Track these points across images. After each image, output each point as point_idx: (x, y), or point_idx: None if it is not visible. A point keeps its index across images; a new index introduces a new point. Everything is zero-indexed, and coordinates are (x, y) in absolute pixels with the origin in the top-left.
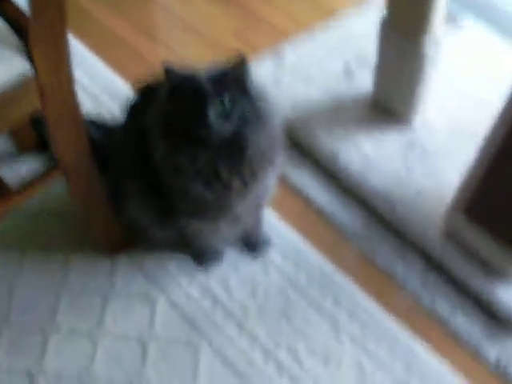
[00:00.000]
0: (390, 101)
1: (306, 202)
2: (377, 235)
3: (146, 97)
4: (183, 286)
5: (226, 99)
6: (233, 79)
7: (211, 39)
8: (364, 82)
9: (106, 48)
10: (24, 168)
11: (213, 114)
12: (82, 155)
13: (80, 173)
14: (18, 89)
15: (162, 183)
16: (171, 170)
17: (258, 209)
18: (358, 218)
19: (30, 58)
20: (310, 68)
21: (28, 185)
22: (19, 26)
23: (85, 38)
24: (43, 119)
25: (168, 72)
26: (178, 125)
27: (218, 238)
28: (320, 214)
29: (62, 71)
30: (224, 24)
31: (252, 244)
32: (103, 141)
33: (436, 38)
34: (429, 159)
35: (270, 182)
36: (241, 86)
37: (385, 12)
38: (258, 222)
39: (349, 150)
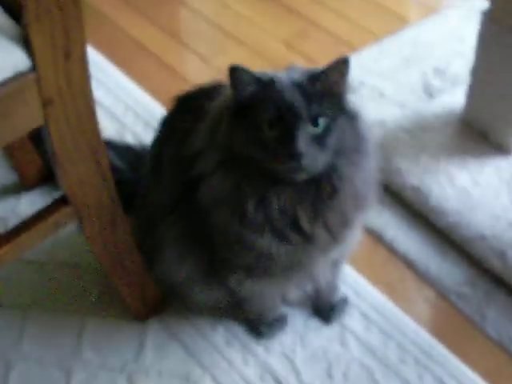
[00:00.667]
0: (488, 121)
1: (390, 250)
2: (484, 294)
3: (188, 109)
4: (235, 365)
5: (322, 117)
6: (328, 88)
7: (255, 48)
8: (448, 98)
9: (130, 59)
10: (24, 205)
11: (303, 138)
12: (101, 189)
13: (99, 212)
14: (14, 94)
15: (210, 229)
16: (229, 214)
17: (337, 264)
18: (458, 271)
19: (29, 48)
20: (379, 82)
21: (27, 227)
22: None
23: (105, 47)
24: (45, 136)
25: (235, 72)
26: (245, 151)
27: (282, 300)
28: (409, 265)
29: (74, 69)
30: (271, 31)
31: (325, 307)
32: (128, 171)
33: None
34: None
35: (358, 231)
36: (338, 99)
37: (488, 2)
38: (334, 279)
39: (440, 184)
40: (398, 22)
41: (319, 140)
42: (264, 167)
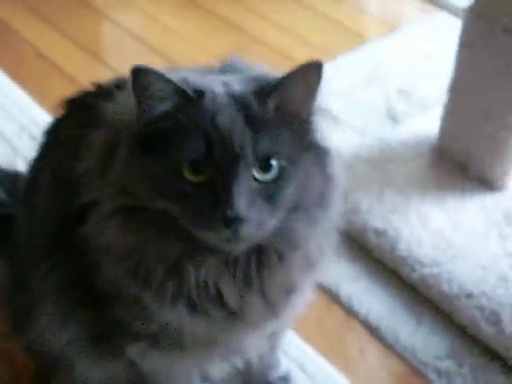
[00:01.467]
0: (469, 149)
1: (348, 313)
2: (471, 370)
3: (79, 112)
4: None
5: (276, 158)
6: (288, 109)
7: (180, 62)
8: (417, 123)
9: (37, 77)
10: None
11: (245, 192)
12: None
13: None
14: None
15: (99, 281)
16: (125, 273)
17: (275, 336)
18: (437, 339)
19: None
20: (334, 105)
21: None
22: None
23: (9, 63)
24: None
25: (141, 77)
26: (152, 202)
27: (201, 379)
28: (372, 333)
29: None
30: (205, 45)
31: None
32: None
33: None
34: None
35: (307, 294)
36: (302, 126)
37: None
38: (272, 352)
39: (411, 227)
40: (354, 38)
41: (269, 193)
42: (181, 226)
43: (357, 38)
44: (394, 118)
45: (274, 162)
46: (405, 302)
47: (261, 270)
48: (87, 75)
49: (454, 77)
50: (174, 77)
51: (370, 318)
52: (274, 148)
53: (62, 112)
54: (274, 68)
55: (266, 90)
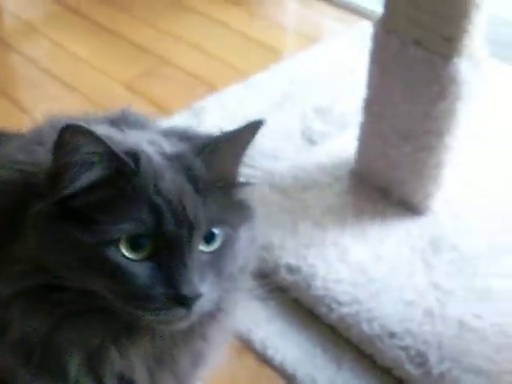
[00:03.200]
0: (388, 172)
1: (262, 360)
2: None
3: None
4: None
5: (221, 226)
6: (223, 169)
7: (89, 95)
8: (335, 145)
9: None
10: None
11: (198, 265)
12: None
13: None
14: None
15: None
16: (22, 365)
17: None
18: None
19: None
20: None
21: None
22: None
23: None
24: None
25: (72, 137)
26: (76, 282)
27: None
28: (289, 381)
29: None
30: (112, 73)
31: None
32: None
33: (476, 60)
34: (475, 272)
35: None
36: (232, 185)
37: (383, 8)
38: None
39: (328, 261)
40: (269, 55)
41: (215, 264)
42: (104, 304)
43: (273, 54)
44: (310, 139)
45: (218, 231)
46: (323, 345)
47: (175, 345)
48: None
49: (367, 95)
50: (107, 138)
51: (285, 364)
52: (219, 215)
53: None
54: (186, 92)
55: (206, 149)
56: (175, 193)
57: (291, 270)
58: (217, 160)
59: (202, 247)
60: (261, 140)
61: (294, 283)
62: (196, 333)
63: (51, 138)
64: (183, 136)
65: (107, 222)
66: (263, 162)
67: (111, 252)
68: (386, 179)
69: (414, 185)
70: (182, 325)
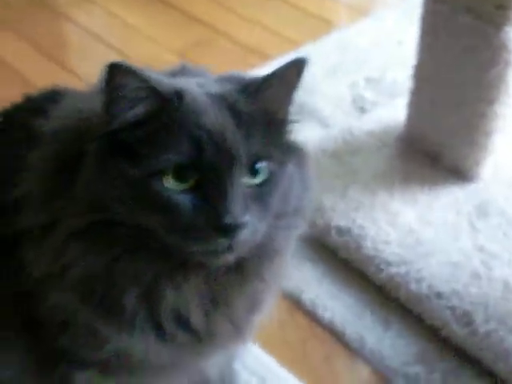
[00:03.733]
0: (439, 138)
1: (312, 318)
2: (443, 374)
3: (5, 130)
4: None
5: (265, 161)
6: (272, 109)
7: (142, 63)
8: (385, 112)
9: None
10: None
11: (240, 196)
12: None
13: None
14: None
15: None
16: (83, 304)
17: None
18: (406, 343)
19: None
20: (297, 96)
21: None
22: None
23: None
24: None
25: (117, 75)
26: (128, 216)
27: None
28: (337, 338)
29: None
30: (164, 41)
31: None
32: None
33: None
34: None
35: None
36: (282, 128)
37: None
38: (230, 366)
39: (377, 224)
40: (321, 27)
41: (259, 198)
42: (158, 241)
43: (325, 26)
44: (360, 107)
45: (263, 165)
46: (372, 305)
47: (230, 288)
48: (42, 77)
49: (417, 62)
50: (151, 76)
51: (334, 323)
52: (263, 150)
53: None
54: (238, 62)
55: (250, 88)
56: (217, 126)
57: (341, 231)
58: (262, 98)
59: (247, 179)
60: (314, 107)
61: (343, 244)
62: (251, 274)
63: None
64: (233, 79)
65: (152, 155)
66: (317, 128)
67: (156, 183)
68: (435, 145)
69: (464, 151)
70: (228, 257)
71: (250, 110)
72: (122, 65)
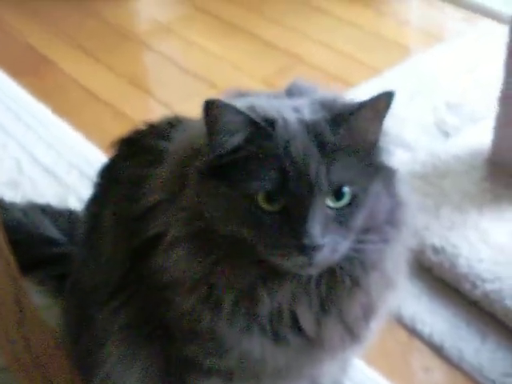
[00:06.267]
0: None
1: (412, 333)
2: None
3: (136, 152)
4: None
5: (349, 186)
6: (359, 136)
7: (224, 87)
8: (469, 136)
9: (79, 110)
10: None
11: (320, 220)
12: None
13: None
14: None
15: (169, 314)
16: (196, 301)
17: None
18: (504, 355)
19: None
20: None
21: None
22: None
23: (49, 96)
24: None
25: (214, 110)
26: (224, 228)
27: None
28: (437, 352)
29: None
30: (248, 69)
31: None
32: (68, 243)
33: None
34: None
35: (382, 319)
36: (370, 152)
37: None
38: (341, 377)
39: (470, 242)
40: (398, 53)
41: (342, 219)
42: (252, 250)
43: (401, 52)
44: (443, 131)
45: (346, 190)
46: (468, 319)
47: (336, 294)
48: (129, 104)
49: (504, 85)
50: (242, 105)
51: (433, 337)
52: (346, 176)
53: (117, 152)
54: (323, 86)
55: (339, 118)
56: (302, 157)
57: (436, 250)
58: (350, 128)
59: (331, 203)
60: (399, 132)
61: (438, 263)
62: (353, 284)
63: None
64: (326, 104)
65: (245, 179)
66: (404, 152)
67: (248, 204)
68: None
69: None
70: (310, 271)
71: (337, 140)
72: (216, 100)
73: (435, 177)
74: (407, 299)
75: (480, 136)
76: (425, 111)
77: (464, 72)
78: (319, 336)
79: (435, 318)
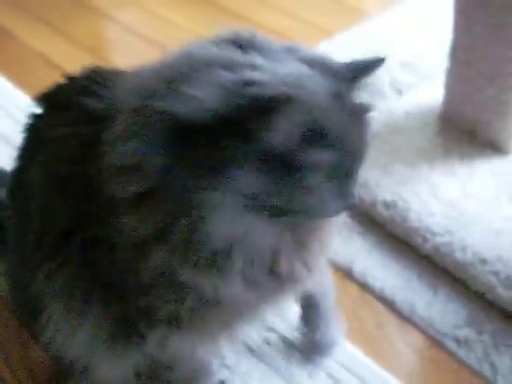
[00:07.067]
0: (475, 114)
1: (363, 288)
2: (491, 336)
3: (61, 109)
4: None
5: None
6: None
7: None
8: (422, 94)
9: (36, 79)
10: None
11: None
12: None
13: None
14: None
15: (124, 269)
16: (174, 256)
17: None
18: (455, 308)
19: None
20: None
21: None
22: None
23: (8, 67)
24: None
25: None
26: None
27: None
28: (388, 306)
29: None
30: (206, 34)
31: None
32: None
33: None
34: None
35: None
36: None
37: None
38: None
39: (421, 197)
40: (353, 16)
41: None
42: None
43: (356, 14)
44: (397, 90)
45: None
46: (419, 273)
47: (308, 234)
48: None
49: (453, 42)
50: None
51: (385, 291)
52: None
53: (41, 108)
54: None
55: (358, 84)
56: (356, 143)
57: (387, 205)
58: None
59: None
60: None
61: (390, 218)
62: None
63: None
64: (324, 67)
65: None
66: None
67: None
68: (472, 122)
69: (499, 126)
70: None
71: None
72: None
73: (389, 134)
74: (358, 254)
75: (434, 93)
76: (379, 72)
77: (420, 34)
78: (289, 276)
79: (386, 273)
